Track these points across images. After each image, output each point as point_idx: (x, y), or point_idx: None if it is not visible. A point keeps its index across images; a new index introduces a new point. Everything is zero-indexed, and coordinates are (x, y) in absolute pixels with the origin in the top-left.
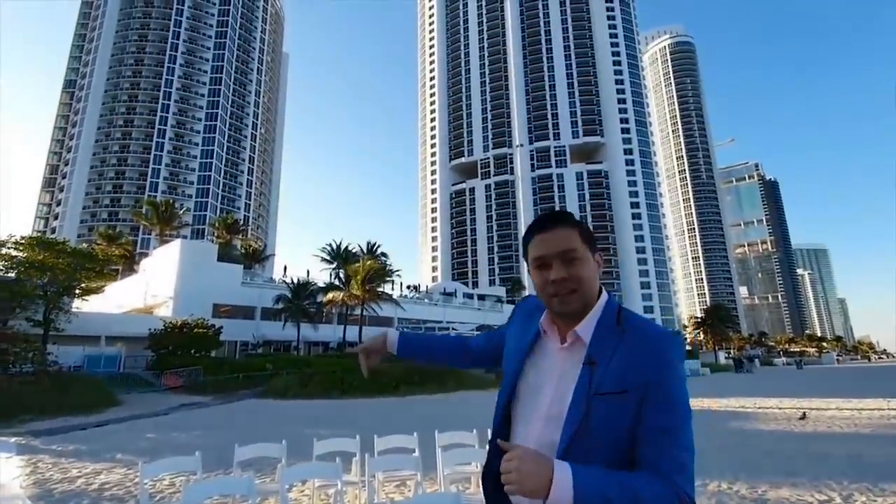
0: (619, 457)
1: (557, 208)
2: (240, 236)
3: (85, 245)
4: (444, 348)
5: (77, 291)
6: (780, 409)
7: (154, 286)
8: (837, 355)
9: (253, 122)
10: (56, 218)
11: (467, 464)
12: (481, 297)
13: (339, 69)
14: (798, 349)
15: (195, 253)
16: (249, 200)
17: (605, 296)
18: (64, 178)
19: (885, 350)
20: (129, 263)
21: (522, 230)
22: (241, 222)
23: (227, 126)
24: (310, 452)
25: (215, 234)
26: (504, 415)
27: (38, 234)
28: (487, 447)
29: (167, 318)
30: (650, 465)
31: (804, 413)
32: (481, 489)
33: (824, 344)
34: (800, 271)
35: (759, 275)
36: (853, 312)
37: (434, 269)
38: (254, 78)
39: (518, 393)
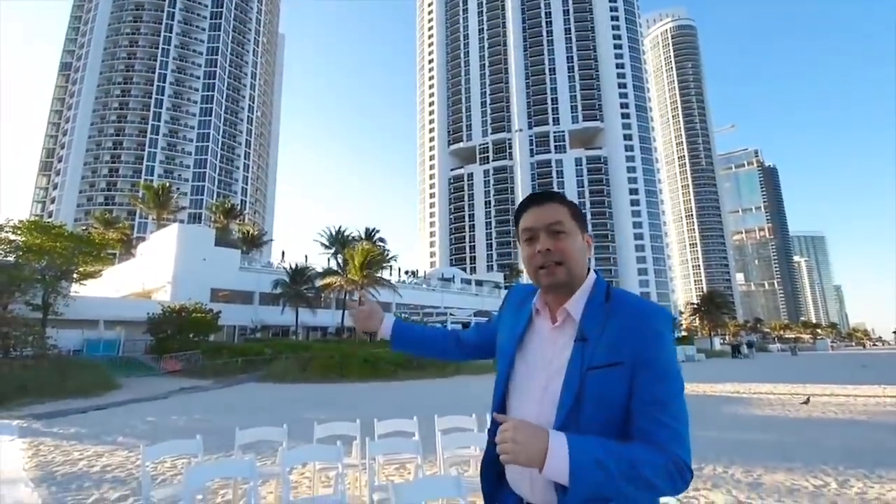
0: (614, 431)
1: None
2: (237, 221)
3: (82, 229)
4: (436, 342)
5: (75, 276)
6: (774, 394)
7: (152, 271)
8: (832, 342)
9: (249, 104)
10: (53, 202)
11: (466, 447)
12: (479, 283)
13: (336, 52)
14: (793, 336)
15: (193, 238)
16: (246, 185)
17: (593, 275)
18: (60, 161)
19: (879, 337)
20: (127, 248)
21: None
22: (239, 207)
23: (224, 109)
24: (310, 436)
25: (213, 219)
26: (501, 401)
27: (36, 218)
28: (487, 435)
29: (165, 302)
30: (645, 436)
31: (808, 398)
32: (479, 476)
33: (819, 331)
34: (796, 258)
35: (756, 261)
36: (849, 299)
37: (432, 254)
38: (249, 60)
39: (514, 378)
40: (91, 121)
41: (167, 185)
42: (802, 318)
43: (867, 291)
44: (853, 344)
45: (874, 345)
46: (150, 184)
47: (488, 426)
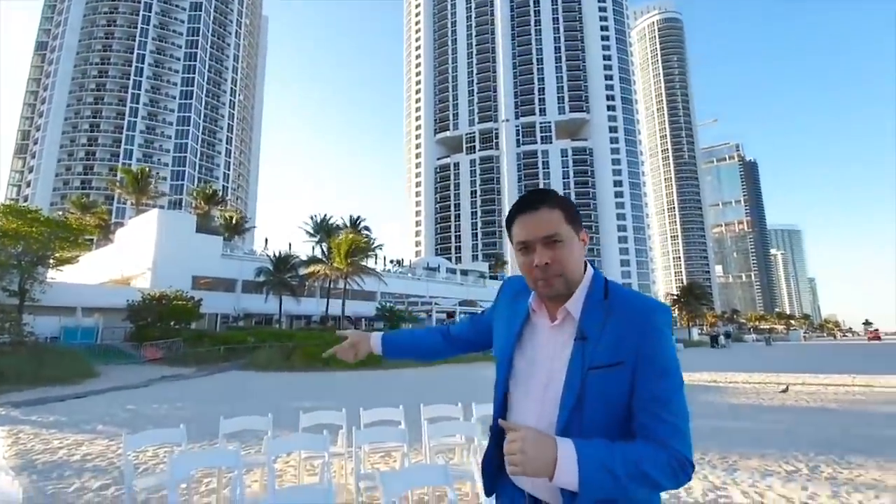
0: (616, 429)
1: (542, 185)
2: (219, 207)
3: (59, 214)
4: (425, 344)
5: (51, 261)
6: (749, 383)
7: (130, 257)
8: (804, 333)
9: (231, 87)
10: (28, 185)
11: (452, 436)
12: (464, 273)
13: (321, 36)
14: (767, 326)
15: (173, 223)
16: (228, 170)
17: (591, 271)
18: (36, 144)
19: (850, 328)
20: (105, 233)
21: (507, 206)
22: (221, 193)
23: (205, 92)
24: (295, 425)
25: (193, 205)
26: (503, 399)
27: (11, 202)
28: (489, 432)
29: (145, 289)
30: (647, 433)
31: (787, 387)
32: (481, 471)
33: (792, 322)
34: (773, 251)
35: (735, 254)
36: (822, 291)
37: (417, 243)
38: (231, 42)
39: (514, 375)
40: (67, 102)
41: (147, 169)
42: (777, 310)
43: (839, 284)
44: (824, 335)
45: (844, 335)
46: (129, 168)
47: (491, 424)
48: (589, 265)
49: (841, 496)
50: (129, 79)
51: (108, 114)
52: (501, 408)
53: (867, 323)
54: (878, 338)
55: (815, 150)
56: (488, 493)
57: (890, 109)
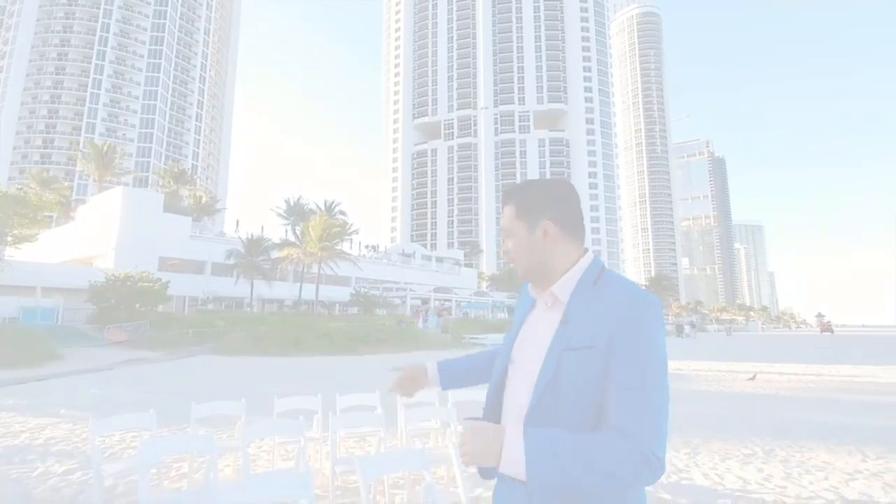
0: (589, 416)
1: (519, 174)
2: (188, 186)
3: (17, 188)
4: (483, 367)
5: (9, 239)
6: (711, 371)
7: (93, 236)
8: (762, 324)
9: (202, 62)
10: None
11: (427, 420)
12: (439, 260)
13: (297, 14)
14: (729, 317)
15: (139, 202)
16: (198, 149)
17: (589, 257)
18: None
19: (804, 320)
20: (65, 210)
21: (483, 194)
22: (190, 172)
23: (173, 65)
24: (268, 410)
25: (160, 184)
26: (499, 382)
27: None
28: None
29: (109, 269)
30: (615, 423)
31: (755, 375)
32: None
33: (752, 313)
34: (736, 245)
35: (700, 247)
36: (779, 284)
37: (393, 229)
38: (203, 13)
39: (512, 358)
40: (27, 71)
41: (112, 144)
42: (738, 301)
43: (795, 278)
44: (780, 326)
45: (798, 327)
46: (94, 141)
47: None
48: (588, 252)
49: (793, 477)
50: (92, 48)
51: (70, 85)
52: (497, 388)
53: (820, 315)
54: (831, 330)
55: (780, 149)
56: (485, 476)
57: (848, 117)
